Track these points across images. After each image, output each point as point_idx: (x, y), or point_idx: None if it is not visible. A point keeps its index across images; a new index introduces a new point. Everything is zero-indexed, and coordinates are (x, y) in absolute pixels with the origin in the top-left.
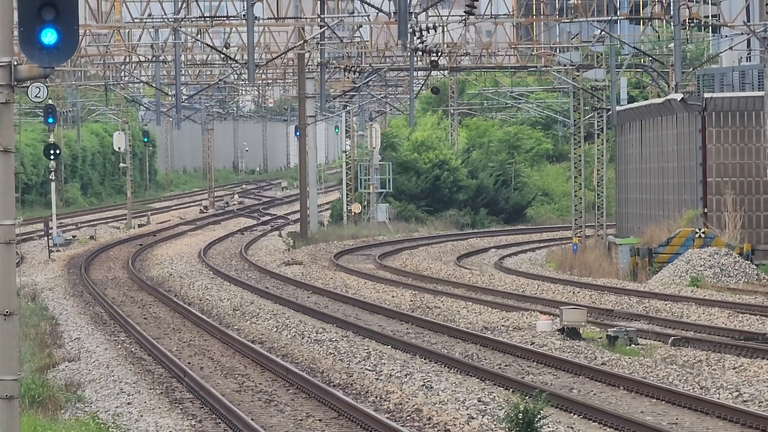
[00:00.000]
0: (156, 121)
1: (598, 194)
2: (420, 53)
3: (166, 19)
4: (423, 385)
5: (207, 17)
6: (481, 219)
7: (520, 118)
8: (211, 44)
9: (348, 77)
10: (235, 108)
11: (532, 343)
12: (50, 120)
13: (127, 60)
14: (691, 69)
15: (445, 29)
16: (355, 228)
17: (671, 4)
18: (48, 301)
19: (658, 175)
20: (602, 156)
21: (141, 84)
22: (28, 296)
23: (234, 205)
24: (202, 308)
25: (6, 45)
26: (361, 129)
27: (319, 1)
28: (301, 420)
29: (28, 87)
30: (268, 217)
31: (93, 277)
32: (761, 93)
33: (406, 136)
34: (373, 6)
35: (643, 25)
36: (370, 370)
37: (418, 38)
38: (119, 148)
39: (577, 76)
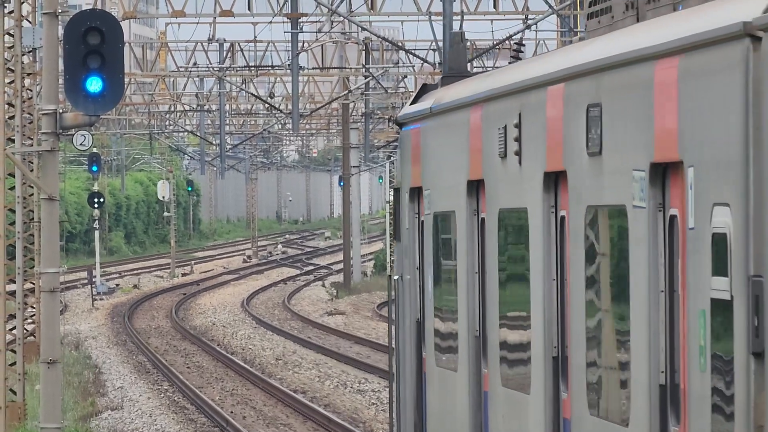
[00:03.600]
0: (200, 170)
1: None
2: None
3: (211, 68)
4: None
5: (252, 67)
6: None
7: None
8: (256, 94)
9: (392, 127)
10: (279, 158)
11: None
12: (95, 168)
13: (172, 109)
14: None
15: None
16: None
17: None
18: (91, 350)
19: None
20: None
21: (185, 133)
22: (72, 344)
23: (277, 254)
24: (244, 357)
25: (52, 93)
26: None
27: (363, 51)
28: None
29: (73, 135)
30: (311, 267)
31: (136, 326)
32: None
33: None
34: (417, 56)
35: None
36: None
37: None
38: (163, 197)
39: None
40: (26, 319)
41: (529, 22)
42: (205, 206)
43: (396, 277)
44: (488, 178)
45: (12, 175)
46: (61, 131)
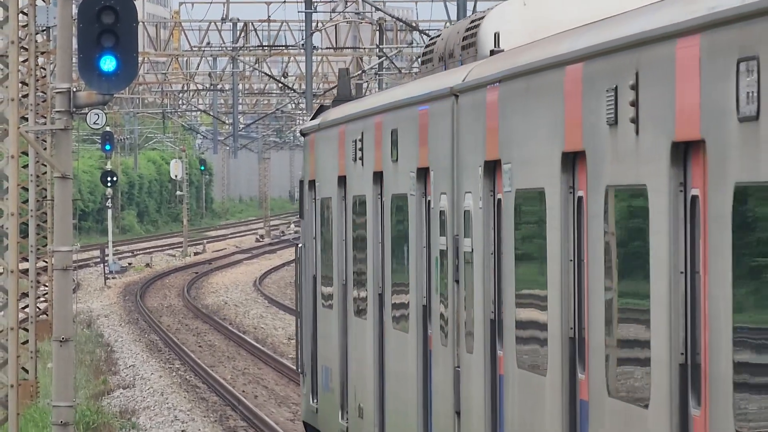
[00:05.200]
0: (213, 149)
1: None
2: None
3: (224, 48)
4: None
5: (265, 46)
6: None
7: None
8: (269, 73)
9: None
10: (291, 137)
11: None
12: (108, 147)
13: (185, 88)
14: None
15: None
16: None
17: None
18: (103, 328)
19: None
20: None
21: (198, 112)
22: (84, 323)
23: (290, 234)
24: (256, 337)
25: (65, 72)
26: None
27: (377, 32)
28: None
29: (86, 114)
30: None
31: (148, 305)
32: None
33: None
34: (431, 37)
35: None
36: None
37: None
38: (176, 176)
39: None
40: (39, 297)
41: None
42: (218, 185)
43: (300, 245)
44: (351, 174)
45: (25, 154)
46: (74, 110)
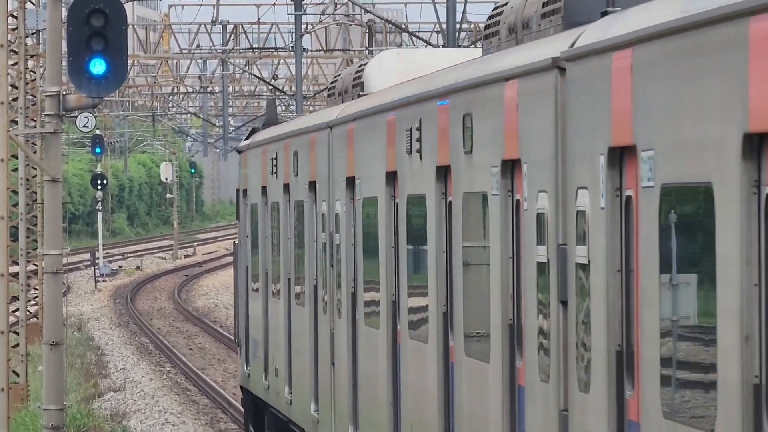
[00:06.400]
0: (203, 152)
1: None
2: None
3: (214, 51)
4: None
5: (255, 48)
6: None
7: None
8: (259, 75)
9: None
10: None
11: None
12: (98, 150)
13: (175, 91)
14: None
15: None
16: None
17: None
18: (94, 331)
19: None
20: None
21: (188, 115)
22: (75, 326)
23: None
24: None
25: (55, 75)
26: None
27: (367, 34)
28: None
29: (76, 117)
30: None
31: (139, 308)
32: None
33: None
34: (421, 39)
35: None
36: None
37: None
38: (166, 179)
39: None
40: (29, 300)
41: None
42: (208, 188)
43: (236, 241)
44: (270, 185)
45: (15, 157)
46: (64, 113)
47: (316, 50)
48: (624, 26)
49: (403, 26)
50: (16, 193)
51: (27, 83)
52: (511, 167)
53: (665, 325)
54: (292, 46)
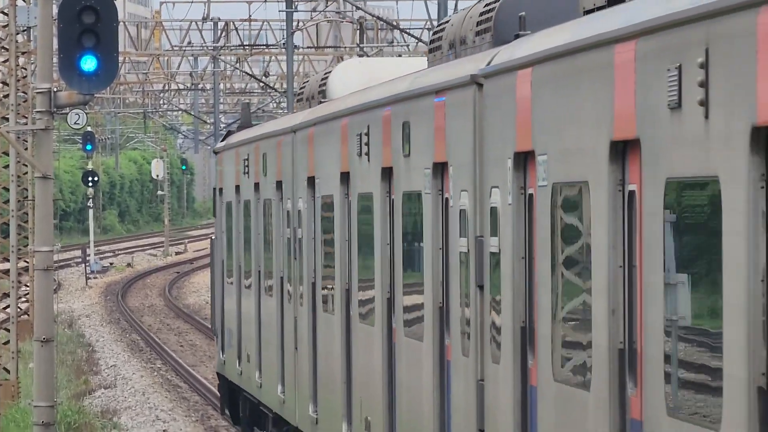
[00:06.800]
0: (194, 149)
1: None
2: None
3: (205, 47)
4: None
5: (246, 46)
6: None
7: None
8: (250, 73)
9: None
10: None
11: None
12: (89, 147)
13: (166, 88)
14: None
15: None
16: None
17: None
18: (85, 328)
19: None
20: None
21: (179, 112)
22: (65, 323)
23: None
24: None
25: (46, 72)
26: None
27: (358, 31)
28: None
29: (67, 114)
30: None
31: (130, 305)
32: None
33: None
34: (412, 36)
35: None
36: None
37: None
38: (157, 176)
39: None
40: (20, 297)
41: None
42: (199, 185)
43: (213, 237)
44: (242, 184)
45: (6, 154)
46: (55, 110)
47: (308, 47)
48: (527, 48)
49: (394, 23)
50: (6, 189)
51: (18, 80)
52: (441, 169)
53: (558, 307)
54: (284, 44)
